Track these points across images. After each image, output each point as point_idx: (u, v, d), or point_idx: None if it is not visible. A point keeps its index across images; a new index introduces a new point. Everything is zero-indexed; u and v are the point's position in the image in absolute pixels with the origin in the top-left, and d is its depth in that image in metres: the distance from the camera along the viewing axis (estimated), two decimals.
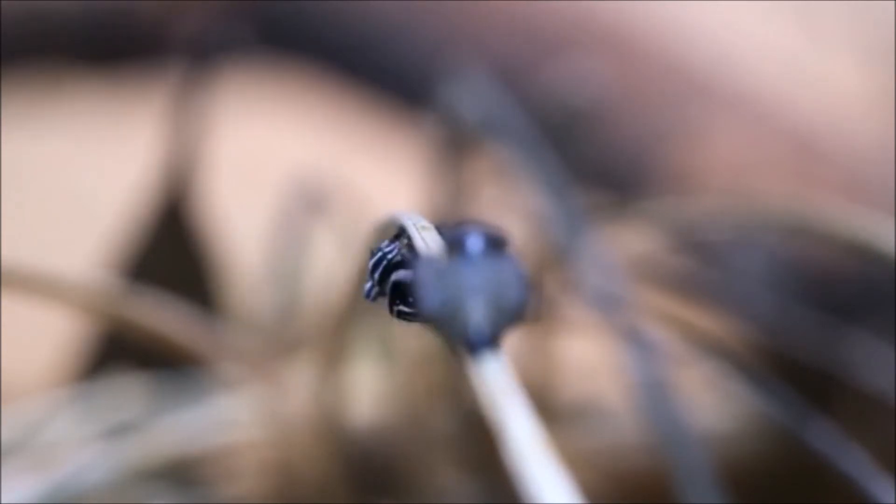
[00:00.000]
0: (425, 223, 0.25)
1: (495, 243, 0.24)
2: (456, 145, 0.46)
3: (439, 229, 0.25)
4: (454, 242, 0.24)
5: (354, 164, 0.59)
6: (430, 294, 0.23)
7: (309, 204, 0.50)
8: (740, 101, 0.61)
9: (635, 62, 0.61)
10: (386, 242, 0.26)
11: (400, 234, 0.26)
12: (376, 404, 0.47)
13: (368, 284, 0.26)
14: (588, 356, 0.46)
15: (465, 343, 0.23)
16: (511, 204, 0.43)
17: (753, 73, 0.63)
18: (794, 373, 0.42)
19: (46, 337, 0.50)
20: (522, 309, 0.23)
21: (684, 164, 0.58)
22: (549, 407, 0.47)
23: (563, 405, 0.48)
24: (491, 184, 0.46)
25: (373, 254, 0.26)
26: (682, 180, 0.58)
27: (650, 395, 0.35)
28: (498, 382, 0.22)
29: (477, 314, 0.23)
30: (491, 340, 0.23)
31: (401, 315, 0.25)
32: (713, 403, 0.48)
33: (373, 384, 0.48)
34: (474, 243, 0.24)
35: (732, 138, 0.59)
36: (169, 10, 0.63)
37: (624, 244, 0.45)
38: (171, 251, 0.48)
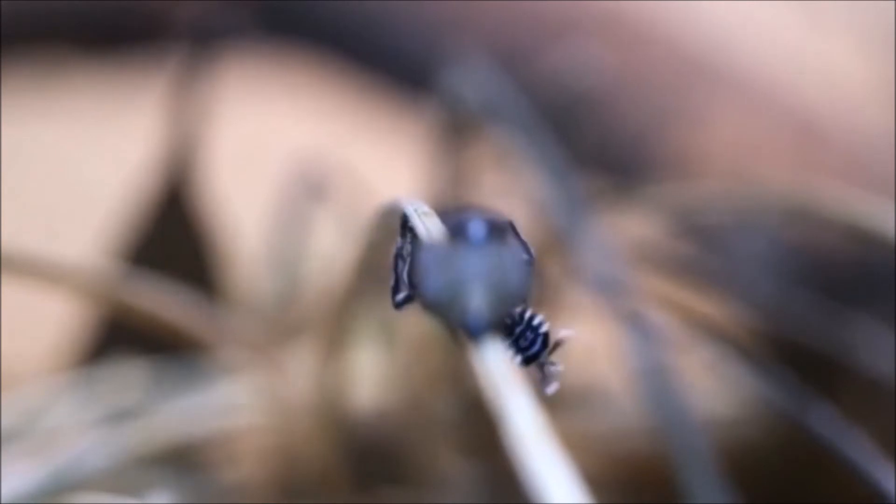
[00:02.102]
0: (427, 209, 0.25)
1: (497, 229, 0.24)
2: (457, 130, 0.46)
3: (441, 215, 0.25)
4: (456, 228, 0.24)
5: (355, 150, 0.59)
6: (431, 280, 0.23)
7: (310, 189, 0.50)
8: (742, 85, 0.61)
9: (637, 46, 0.61)
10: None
11: (403, 223, 0.26)
12: (378, 390, 0.47)
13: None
14: (589, 341, 0.46)
15: (465, 329, 0.23)
16: (512, 189, 0.43)
17: (755, 58, 0.63)
18: (795, 357, 0.42)
19: (47, 322, 0.49)
20: (524, 295, 0.23)
21: (686, 148, 0.58)
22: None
23: (565, 390, 0.47)
24: (492, 169, 0.45)
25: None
26: (683, 165, 0.57)
27: (651, 380, 0.35)
28: (498, 368, 0.22)
29: (477, 300, 0.23)
30: (491, 327, 0.23)
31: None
32: (714, 388, 0.48)
33: (374, 369, 0.48)
34: (476, 229, 0.24)
35: (734, 123, 0.59)
36: None
37: (625, 229, 0.45)
38: (172, 236, 0.48)
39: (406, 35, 0.62)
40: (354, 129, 0.65)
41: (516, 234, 0.24)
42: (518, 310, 0.25)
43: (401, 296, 0.25)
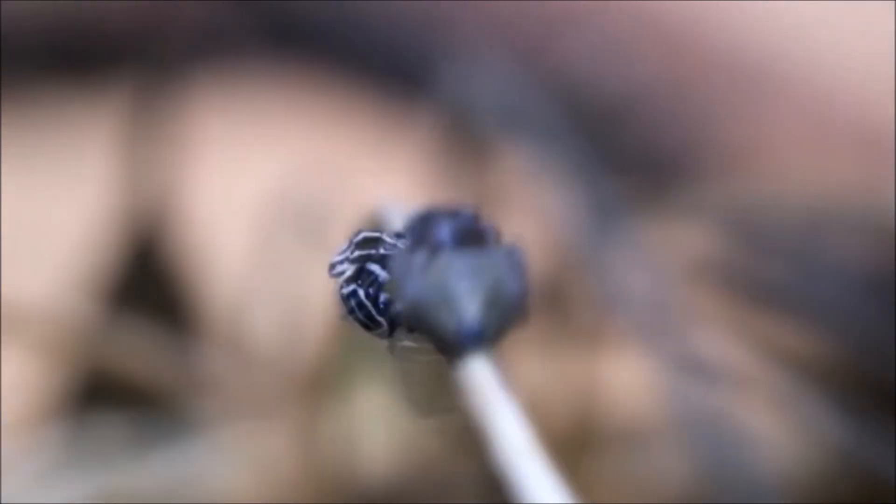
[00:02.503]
0: (410, 213, 0.25)
1: (488, 232, 0.23)
2: (466, 137, 0.45)
3: (427, 217, 0.24)
4: (442, 231, 0.23)
5: (355, 166, 0.58)
6: (416, 287, 0.22)
7: (301, 219, 0.48)
8: (794, 86, 0.60)
9: (674, 43, 0.60)
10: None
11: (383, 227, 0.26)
12: (385, 446, 0.45)
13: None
14: (629, 377, 0.44)
15: (457, 340, 0.22)
16: (530, 201, 0.42)
17: (809, 58, 0.63)
18: (889, 399, 0.39)
19: (12, 376, 0.47)
20: (522, 302, 0.22)
21: (735, 150, 0.57)
22: (585, 436, 0.45)
23: (602, 434, 0.46)
24: (507, 180, 0.44)
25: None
26: (733, 168, 0.56)
27: (702, 429, 0.33)
28: (485, 383, 0.21)
29: (472, 308, 0.22)
30: (481, 338, 0.22)
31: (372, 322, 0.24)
32: (785, 439, 0.44)
33: (379, 422, 0.45)
34: (467, 231, 0.23)
35: (787, 122, 0.58)
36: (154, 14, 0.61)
37: (672, 241, 0.43)
38: (149, 276, 0.47)
39: (405, 33, 0.61)
40: (355, 143, 0.64)
41: (506, 239, 0.24)
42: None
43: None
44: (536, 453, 0.19)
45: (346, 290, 0.24)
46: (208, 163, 0.53)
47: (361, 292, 0.24)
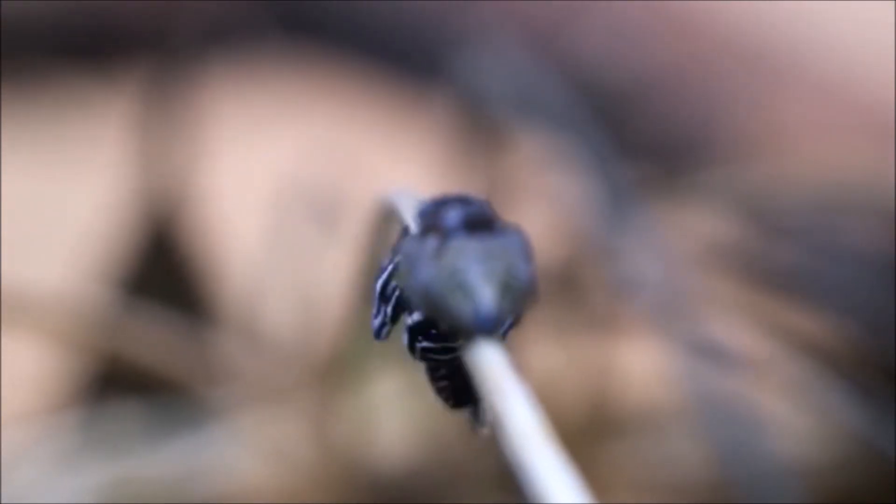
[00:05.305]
0: (421, 201, 0.25)
1: (495, 217, 0.23)
2: (479, 123, 0.44)
3: (434, 206, 0.24)
4: (451, 217, 0.23)
5: (369, 153, 0.58)
6: (426, 275, 0.22)
7: (315, 205, 0.48)
8: (809, 72, 0.61)
9: (686, 29, 0.61)
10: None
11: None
12: (402, 435, 0.46)
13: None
14: (644, 362, 0.44)
15: (466, 326, 0.22)
16: (544, 187, 0.41)
17: (822, 46, 0.63)
18: None
19: (29, 363, 0.48)
20: (532, 286, 0.22)
21: (750, 133, 0.57)
22: (600, 421, 0.45)
23: (616, 420, 0.45)
24: (521, 166, 0.44)
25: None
26: (746, 153, 0.57)
27: (716, 414, 0.33)
28: (496, 365, 0.21)
29: (484, 293, 0.22)
30: (495, 323, 0.22)
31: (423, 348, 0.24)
32: (799, 422, 0.44)
33: (394, 409, 0.46)
34: (476, 216, 0.23)
35: (799, 106, 0.58)
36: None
37: (687, 225, 0.43)
38: (164, 266, 0.47)
39: (419, 19, 0.61)
40: (369, 129, 0.64)
41: (513, 225, 0.24)
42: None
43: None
44: (547, 438, 0.20)
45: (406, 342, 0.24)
46: (223, 149, 0.53)
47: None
